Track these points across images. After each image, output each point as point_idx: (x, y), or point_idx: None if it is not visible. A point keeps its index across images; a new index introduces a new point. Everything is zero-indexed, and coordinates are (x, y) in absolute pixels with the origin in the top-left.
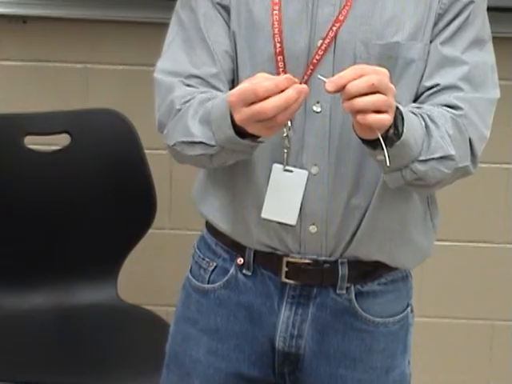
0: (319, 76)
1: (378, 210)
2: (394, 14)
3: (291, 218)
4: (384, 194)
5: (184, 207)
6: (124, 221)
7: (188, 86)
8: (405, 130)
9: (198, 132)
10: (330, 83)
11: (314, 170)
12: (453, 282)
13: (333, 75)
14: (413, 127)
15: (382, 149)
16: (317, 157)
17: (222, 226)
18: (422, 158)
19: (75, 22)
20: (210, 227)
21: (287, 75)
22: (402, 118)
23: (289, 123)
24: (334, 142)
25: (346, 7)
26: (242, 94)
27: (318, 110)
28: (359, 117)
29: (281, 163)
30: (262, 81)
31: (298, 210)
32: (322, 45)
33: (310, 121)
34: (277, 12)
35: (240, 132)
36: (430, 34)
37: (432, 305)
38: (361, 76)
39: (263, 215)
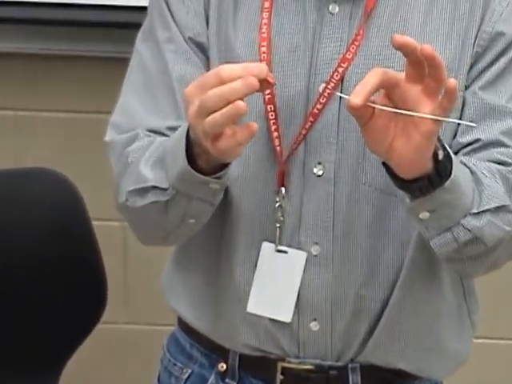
0: (337, 93)
1: (400, 303)
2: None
3: (286, 313)
4: (408, 282)
5: (145, 295)
6: (65, 311)
7: (146, 137)
8: (454, 167)
9: (149, 175)
10: (356, 96)
11: (315, 250)
12: None
13: (337, 129)
14: (460, 168)
15: (429, 181)
16: (318, 233)
17: (198, 323)
18: (475, 211)
19: (2, 57)
20: (183, 324)
21: (261, 64)
22: (448, 156)
23: (282, 190)
24: (341, 214)
25: (356, 42)
26: (202, 78)
27: (320, 172)
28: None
29: (272, 241)
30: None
31: (295, 302)
32: (324, 91)
33: (310, 187)
34: (265, 49)
35: (203, 170)
36: (465, 78)
37: None
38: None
39: (249, 309)
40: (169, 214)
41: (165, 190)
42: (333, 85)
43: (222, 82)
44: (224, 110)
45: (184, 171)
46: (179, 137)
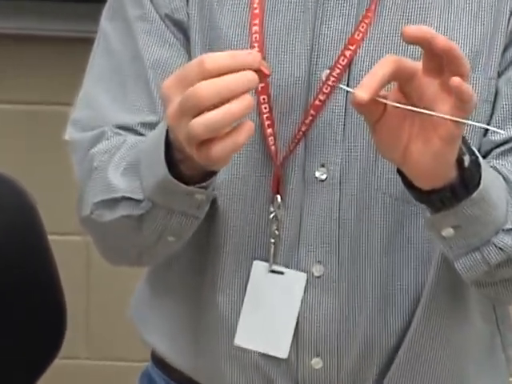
0: (340, 85)
1: (419, 336)
2: (439, 31)
3: (281, 348)
4: (429, 310)
5: (112, 324)
6: (15, 344)
7: (115, 135)
8: (483, 175)
9: (120, 184)
10: (363, 89)
11: (318, 270)
12: None
13: (344, 124)
14: (491, 175)
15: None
16: (322, 250)
17: (176, 358)
18: (509, 226)
19: None
20: (158, 359)
21: (253, 50)
22: (475, 159)
23: (278, 198)
24: (348, 227)
25: (366, 20)
26: (183, 70)
27: (323, 177)
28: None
29: (265, 260)
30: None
31: (292, 333)
32: (328, 78)
33: (311, 194)
34: (257, 28)
35: (187, 180)
36: (499, 62)
37: None
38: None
39: (237, 342)
40: (144, 231)
41: (139, 201)
42: (338, 71)
43: (207, 75)
44: (225, 108)
45: (163, 180)
46: (156, 139)
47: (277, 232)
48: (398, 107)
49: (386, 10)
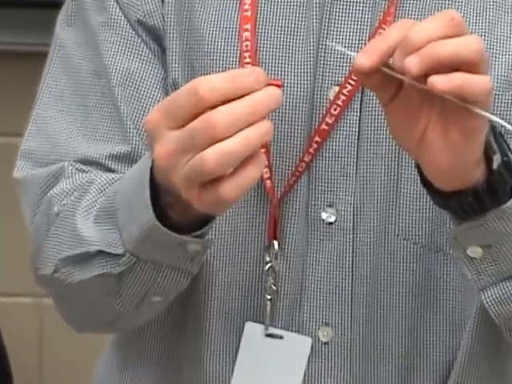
0: (335, 45)
1: None
2: (476, 33)
3: None
4: (464, 381)
5: None
6: None
7: (78, 172)
8: None
9: (93, 234)
10: (365, 53)
11: (325, 334)
12: None
13: (357, 153)
14: None
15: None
16: (330, 309)
17: None
18: None
19: None
20: None
21: (255, 68)
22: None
23: (275, 245)
24: (363, 281)
25: (385, 25)
26: (171, 101)
27: (332, 219)
28: (439, 80)
29: (260, 322)
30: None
31: None
32: (337, 97)
33: (317, 240)
34: (248, 34)
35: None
36: None
37: None
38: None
39: None
40: (124, 291)
41: (119, 256)
42: (350, 88)
43: (203, 105)
44: (243, 136)
45: (150, 229)
46: (137, 180)
47: (274, 287)
48: (414, 85)
49: (408, 12)
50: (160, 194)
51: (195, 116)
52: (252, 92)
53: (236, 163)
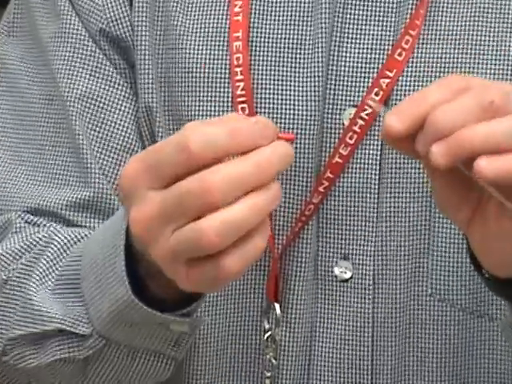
0: (370, 102)
1: None
2: (498, 47)
3: None
4: None
5: None
6: None
7: (29, 226)
8: None
9: (52, 308)
10: (398, 115)
11: None
12: None
13: (378, 190)
14: None
15: None
16: None
17: None
18: None
19: None
20: None
21: (260, 118)
22: None
23: (277, 308)
24: (386, 352)
25: (412, 32)
26: (154, 154)
27: (347, 275)
28: (487, 170)
29: None
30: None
31: None
32: (354, 121)
33: (328, 301)
34: (240, 44)
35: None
36: None
37: None
38: (456, 90)
39: None
40: (90, 380)
41: (85, 337)
42: (370, 111)
43: (195, 164)
44: (250, 202)
45: (124, 306)
46: (109, 243)
47: (274, 361)
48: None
49: (441, 16)
50: (137, 263)
51: (185, 175)
52: (256, 148)
53: (241, 234)
